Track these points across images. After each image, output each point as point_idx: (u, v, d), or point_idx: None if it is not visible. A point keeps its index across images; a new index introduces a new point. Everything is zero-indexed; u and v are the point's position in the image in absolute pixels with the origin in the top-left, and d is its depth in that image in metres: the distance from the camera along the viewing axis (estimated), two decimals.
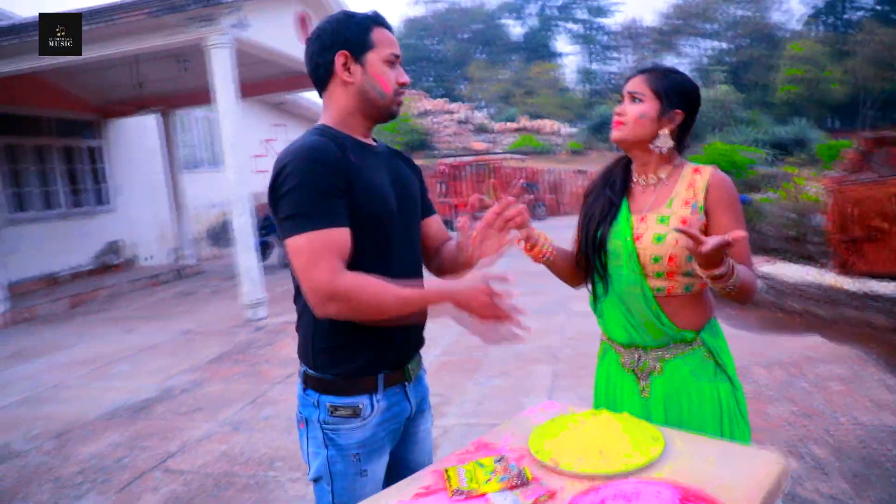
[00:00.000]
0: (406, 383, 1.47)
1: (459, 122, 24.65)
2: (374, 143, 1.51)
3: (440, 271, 1.62)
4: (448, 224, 15.12)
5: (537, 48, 33.90)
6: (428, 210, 1.62)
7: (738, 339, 4.54)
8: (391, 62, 1.41)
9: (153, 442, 3.65)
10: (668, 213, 1.51)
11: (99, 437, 3.81)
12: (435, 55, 37.14)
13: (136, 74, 9.35)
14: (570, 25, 35.53)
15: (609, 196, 1.60)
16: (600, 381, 1.69)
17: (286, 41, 8.02)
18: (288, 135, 18.86)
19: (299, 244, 1.25)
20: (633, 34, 32.46)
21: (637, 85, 1.52)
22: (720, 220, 1.48)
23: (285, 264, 10.96)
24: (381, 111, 1.45)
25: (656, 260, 1.48)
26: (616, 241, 1.54)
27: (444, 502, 1.24)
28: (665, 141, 1.53)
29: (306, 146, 1.31)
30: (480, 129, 24.41)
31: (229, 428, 3.79)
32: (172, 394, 4.54)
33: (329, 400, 1.39)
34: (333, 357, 1.38)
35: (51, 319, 7.99)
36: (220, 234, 14.02)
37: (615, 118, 1.54)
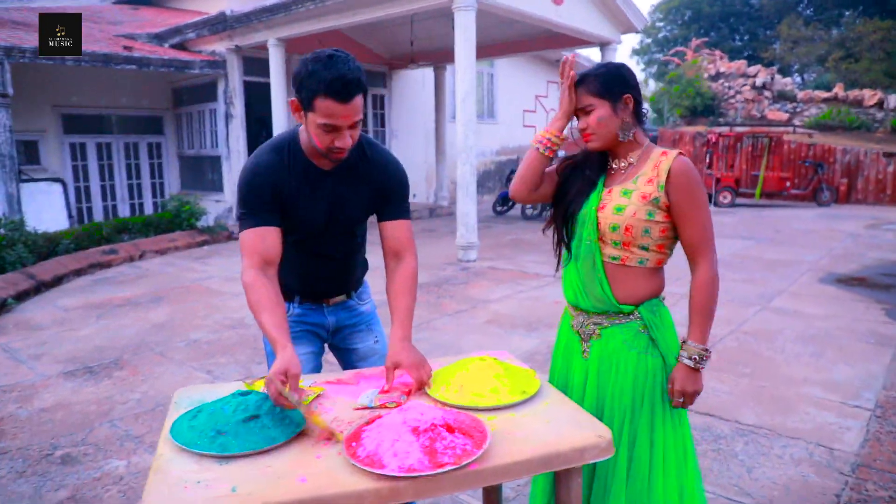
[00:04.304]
0: (324, 305, 1.91)
1: (755, 87, 22.00)
2: (328, 167, 1.70)
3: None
4: (708, 198, 13.95)
5: (885, 1, 27.92)
6: (388, 215, 1.79)
7: None
8: (325, 130, 1.53)
9: None
10: (632, 187, 1.61)
11: None
12: (748, 11, 33.19)
13: (411, 31, 10.58)
14: None
15: (588, 175, 1.71)
16: (559, 340, 1.83)
17: (536, 3, 8.28)
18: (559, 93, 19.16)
19: (241, 237, 1.67)
20: None
21: (583, 100, 1.61)
22: (678, 202, 1.56)
23: (526, 216, 11.54)
24: (319, 154, 1.66)
25: (614, 228, 1.59)
26: (584, 210, 1.66)
27: (329, 385, 1.62)
28: (628, 128, 1.63)
29: (254, 168, 1.66)
30: (780, 97, 21.48)
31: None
32: None
33: None
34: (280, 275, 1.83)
35: None
36: (481, 182, 15.21)
37: (582, 134, 1.66)
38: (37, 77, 9.51)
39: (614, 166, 1.69)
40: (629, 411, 1.61)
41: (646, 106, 1.70)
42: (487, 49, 11.42)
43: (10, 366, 4.11)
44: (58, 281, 6.56)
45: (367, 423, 1.34)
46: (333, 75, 1.47)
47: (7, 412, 3.37)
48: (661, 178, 1.57)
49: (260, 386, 1.60)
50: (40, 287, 6.22)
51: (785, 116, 20.18)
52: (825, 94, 20.69)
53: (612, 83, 1.60)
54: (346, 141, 1.57)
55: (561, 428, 1.36)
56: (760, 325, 4.70)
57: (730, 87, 22.38)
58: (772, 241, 8.80)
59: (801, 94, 21.20)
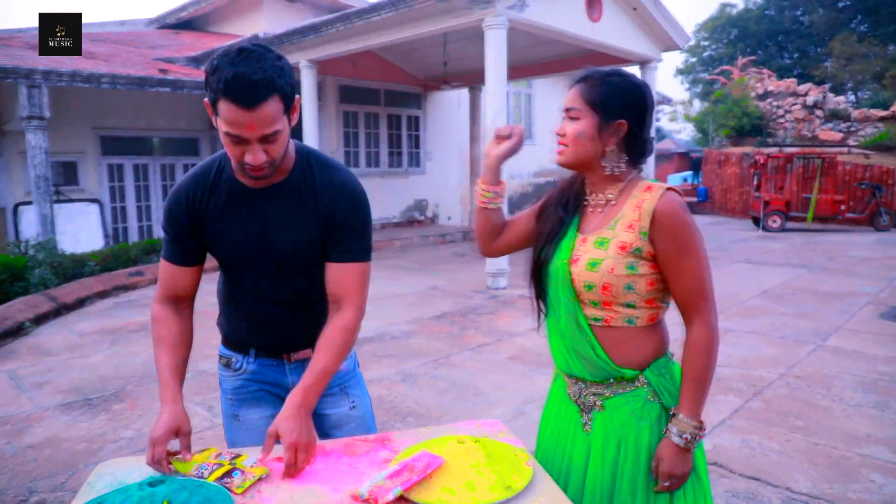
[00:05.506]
0: (285, 362, 1.60)
1: (806, 106, 21.16)
2: (259, 186, 1.43)
3: None
4: (755, 221, 13.33)
5: None
6: (334, 254, 1.46)
7: None
8: (231, 140, 1.27)
9: None
10: (609, 235, 1.32)
11: None
12: (798, 28, 32.20)
13: (444, 52, 10.43)
14: None
15: (560, 215, 1.42)
16: (550, 407, 1.53)
17: (571, 21, 8.00)
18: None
19: (160, 262, 1.54)
20: None
21: (572, 100, 1.33)
22: (665, 251, 1.28)
23: None
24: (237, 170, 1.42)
25: (589, 288, 1.31)
26: (555, 263, 1.38)
27: (279, 463, 1.33)
28: (614, 159, 1.34)
29: (176, 189, 1.46)
30: (833, 116, 20.57)
31: (399, 378, 4.20)
32: (383, 338, 5.18)
33: (221, 349, 1.65)
34: (226, 321, 1.64)
35: None
36: (518, 204, 14.90)
37: (557, 140, 1.37)
38: (77, 99, 9.68)
39: (591, 201, 1.40)
40: (644, 493, 1.32)
41: (653, 145, 1.38)
42: (523, 69, 11.18)
43: (11, 395, 3.98)
44: (80, 303, 6.50)
45: None
46: (236, 73, 1.19)
47: None
48: (644, 223, 1.27)
49: (193, 465, 1.33)
50: (61, 310, 6.16)
51: (838, 136, 19.29)
52: (882, 113, 19.72)
53: (612, 98, 1.30)
54: (258, 157, 1.27)
55: None
56: (815, 368, 4.23)
57: (779, 107, 21.60)
58: (825, 269, 8.20)
59: (855, 113, 20.27)
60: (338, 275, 1.46)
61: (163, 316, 1.50)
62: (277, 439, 1.32)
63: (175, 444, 1.37)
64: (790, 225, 13.19)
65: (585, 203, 1.42)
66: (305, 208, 1.44)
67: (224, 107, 1.22)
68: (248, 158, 1.28)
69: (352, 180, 1.49)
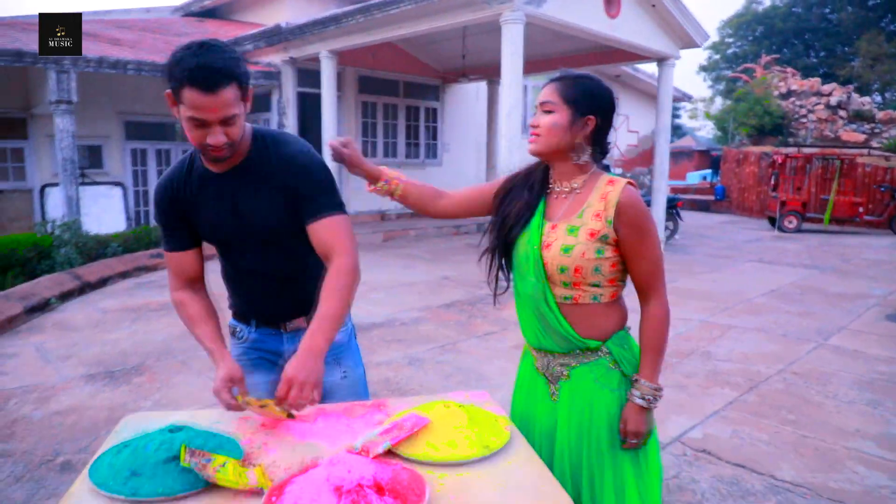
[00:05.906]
0: (282, 332, 1.75)
1: (829, 106, 20.88)
2: (223, 170, 1.57)
3: None
4: (771, 221, 13.28)
5: None
6: (307, 215, 1.57)
7: None
8: (194, 125, 1.41)
9: None
10: (578, 223, 1.47)
11: None
12: (826, 26, 31.70)
13: (463, 45, 10.52)
14: None
15: (527, 198, 1.56)
16: (521, 380, 1.69)
17: (589, 17, 8.05)
18: (621, 109, 18.73)
19: (164, 255, 1.71)
20: None
21: (548, 95, 1.48)
22: (627, 237, 1.45)
23: None
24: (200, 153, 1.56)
25: (562, 270, 1.46)
26: (525, 247, 1.52)
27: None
28: (583, 150, 1.49)
29: (158, 185, 1.64)
30: (857, 117, 20.29)
31: (406, 362, 4.36)
32: (392, 324, 5.34)
33: (230, 320, 1.82)
34: (229, 295, 1.82)
35: (366, 247, 9.82)
36: None
37: (530, 131, 1.52)
38: (103, 85, 9.93)
39: (556, 189, 1.54)
40: (608, 454, 1.49)
41: (611, 146, 1.54)
42: (540, 64, 11.23)
43: (38, 366, 4.20)
44: (103, 283, 6.75)
45: (303, 470, 1.20)
46: (199, 63, 1.35)
47: (22, 413, 3.41)
48: (610, 213, 1.43)
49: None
50: (85, 288, 6.40)
51: (861, 138, 19.03)
52: None
53: (584, 95, 1.46)
54: (219, 138, 1.42)
55: (518, 498, 1.17)
56: (813, 366, 4.31)
57: (801, 106, 21.33)
58: (837, 271, 8.21)
59: (880, 115, 19.97)
60: (318, 233, 1.56)
61: (183, 299, 1.64)
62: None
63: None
64: (807, 226, 13.12)
65: (550, 190, 1.55)
66: (266, 184, 1.58)
67: (188, 93, 1.37)
68: (209, 139, 1.43)
69: (303, 151, 1.61)
